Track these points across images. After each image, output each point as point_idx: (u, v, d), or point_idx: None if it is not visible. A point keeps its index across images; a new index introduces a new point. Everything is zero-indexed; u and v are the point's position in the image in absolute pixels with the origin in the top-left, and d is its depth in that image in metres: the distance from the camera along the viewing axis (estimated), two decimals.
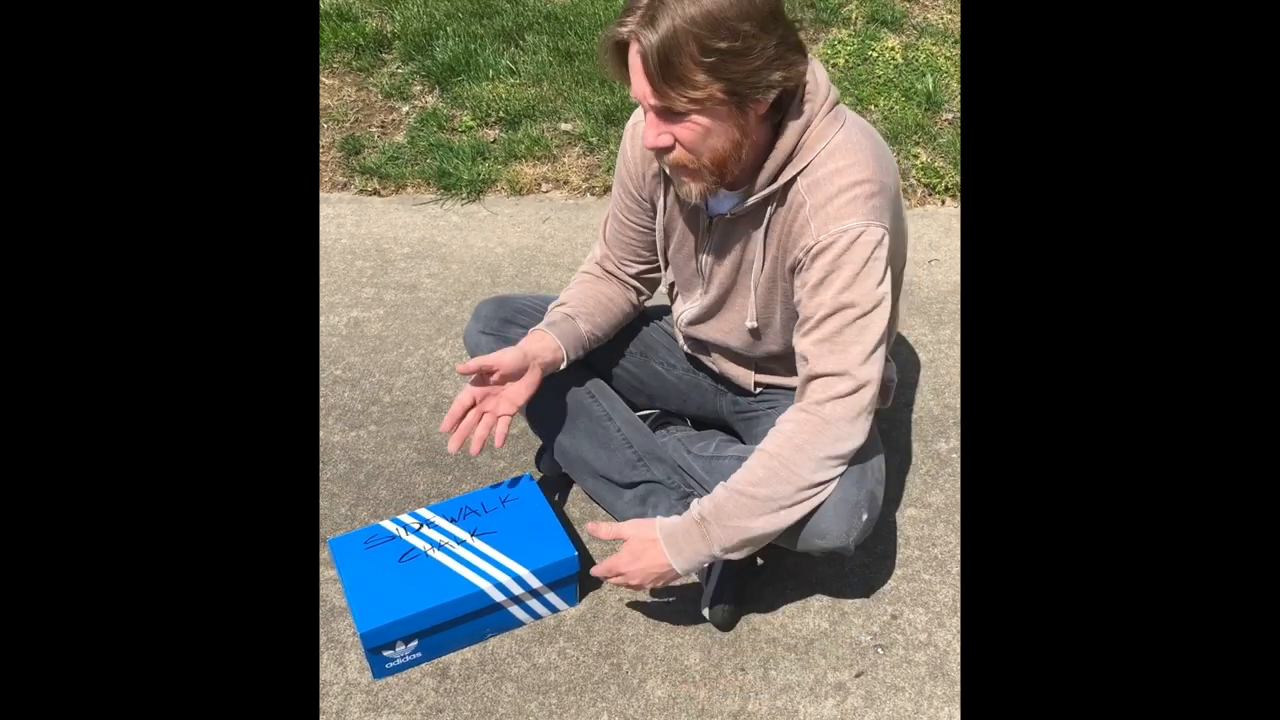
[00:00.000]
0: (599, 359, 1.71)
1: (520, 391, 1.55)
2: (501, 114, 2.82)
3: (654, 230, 1.60)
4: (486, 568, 1.52)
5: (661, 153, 1.33)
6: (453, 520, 1.60)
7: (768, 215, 1.41)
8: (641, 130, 1.48)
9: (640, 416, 1.74)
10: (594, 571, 1.46)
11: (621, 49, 1.28)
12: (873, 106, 2.78)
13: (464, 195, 2.61)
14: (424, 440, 1.93)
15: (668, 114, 1.28)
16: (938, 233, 2.42)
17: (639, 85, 1.27)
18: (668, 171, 1.41)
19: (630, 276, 1.66)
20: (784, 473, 1.37)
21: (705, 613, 1.57)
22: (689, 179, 1.36)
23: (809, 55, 1.35)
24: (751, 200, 1.39)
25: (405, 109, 2.93)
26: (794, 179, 1.37)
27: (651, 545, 1.41)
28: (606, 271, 1.66)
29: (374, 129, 2.87)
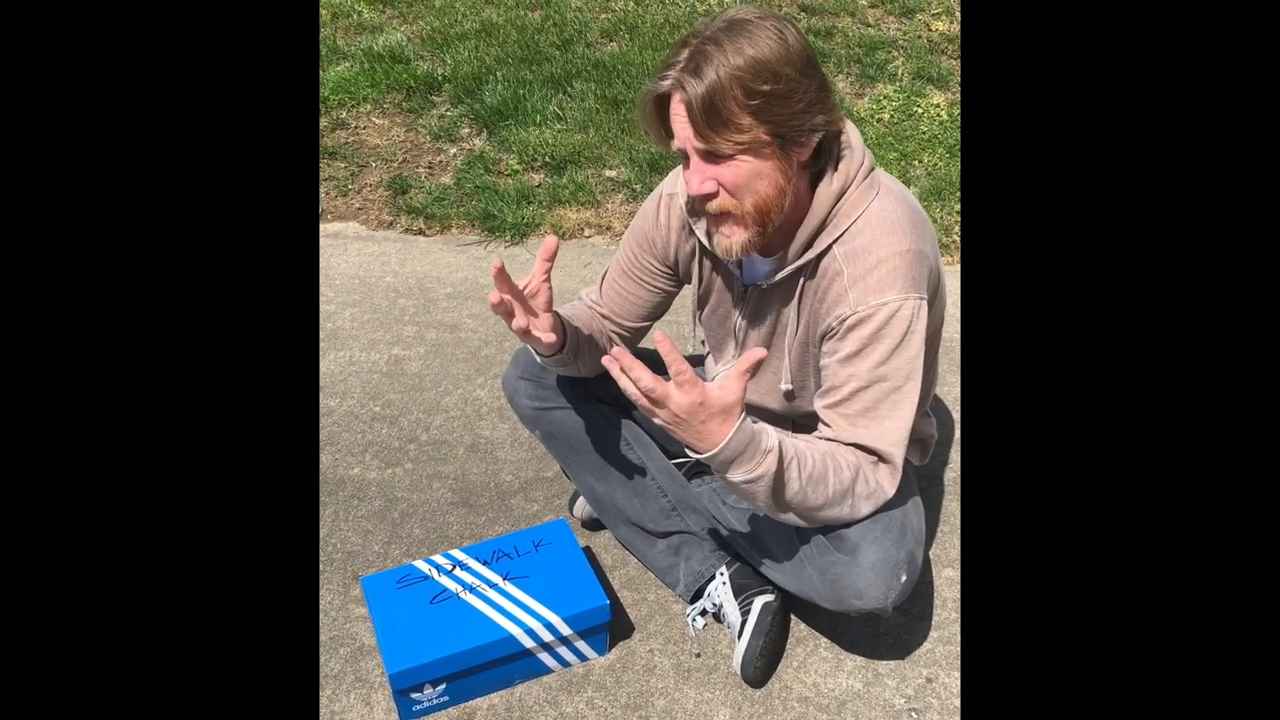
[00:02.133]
0: (633, 404, 1.71)
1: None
2: (547, 159, 2.86)
3: (667, 294, 1.61)
4: (517, 612, 1.52)
5: (705, 200, 1.32)
6: (485, 563, 1.60)
7: (802, 281, 1.41)
8: (677, 203, 1.50)
9: (675, 465, 1.73)
10: (642, 385, 1.25)
11: (663, 102, 1.29)
12: (917, 162, 2.79)
13: (508, 238, 2.64)
14: (459, 480, 1.93)
15: (712, 157, 1.28)
16: None
17: (683, 131, 1.28)
18: (706, 229, 1.39)
19: (612, 330, 1.64)
20: (840, 480, 1.35)
21: (736, 668, 1.54)
22: (732, 228, 1.33)
23: (845, 121, 1.37)
24: (788, 269, 1.40)
25: (453, 151, 2.98)
26: (830, 247, 1.37)
27: (723, 423, 1.26)
28: (601, 315, 1.64)
29: (421, 169, 2.92)
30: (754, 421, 1.31)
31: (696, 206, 1.37)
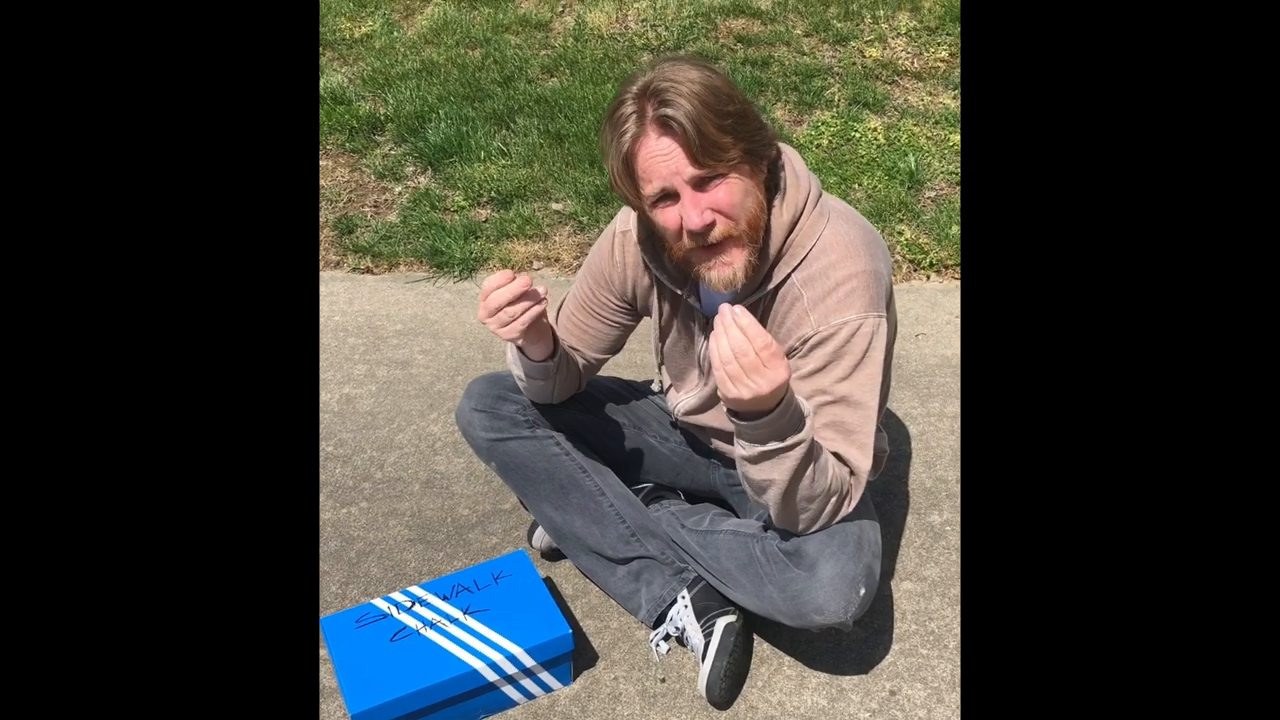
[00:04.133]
0: (589, 432, 1.71)
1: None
2: (493, 194, 2.87)
3: (625, 328, 1.62)
4: (479, 646, 1.50)
5: (705, 231, 1.31)
6: (445, 598, 1.58)
7: (761, 309, 1.43)
8: (631, 240, 1.51)
9: (633, 490, 1.74)
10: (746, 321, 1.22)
11: (630, 158, 1.30)
12: (857, 185, 2.85)
13: (456, 273, 2.64)
14: (415, 517, 1.92)
15: (703, 183, 1.29)
16: (924, 307, 2.45)
17: (671, 164, 1.28)
18: (696, 263, 1.37)
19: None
20: (835, 475, 1.37)
21: (702, 690, 1.54)
22: (732, 251, 1.33)
23: (786, 147, 1.42)
24: (749, 300, 1.42)
25: (398, 189, 2.98)
26: (788, 276, 1.39)
27: (782, 371, 1.23)
28: None
29: (367, 209, 2.91)
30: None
31: (693, 243, 1.33)
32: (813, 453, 1.33)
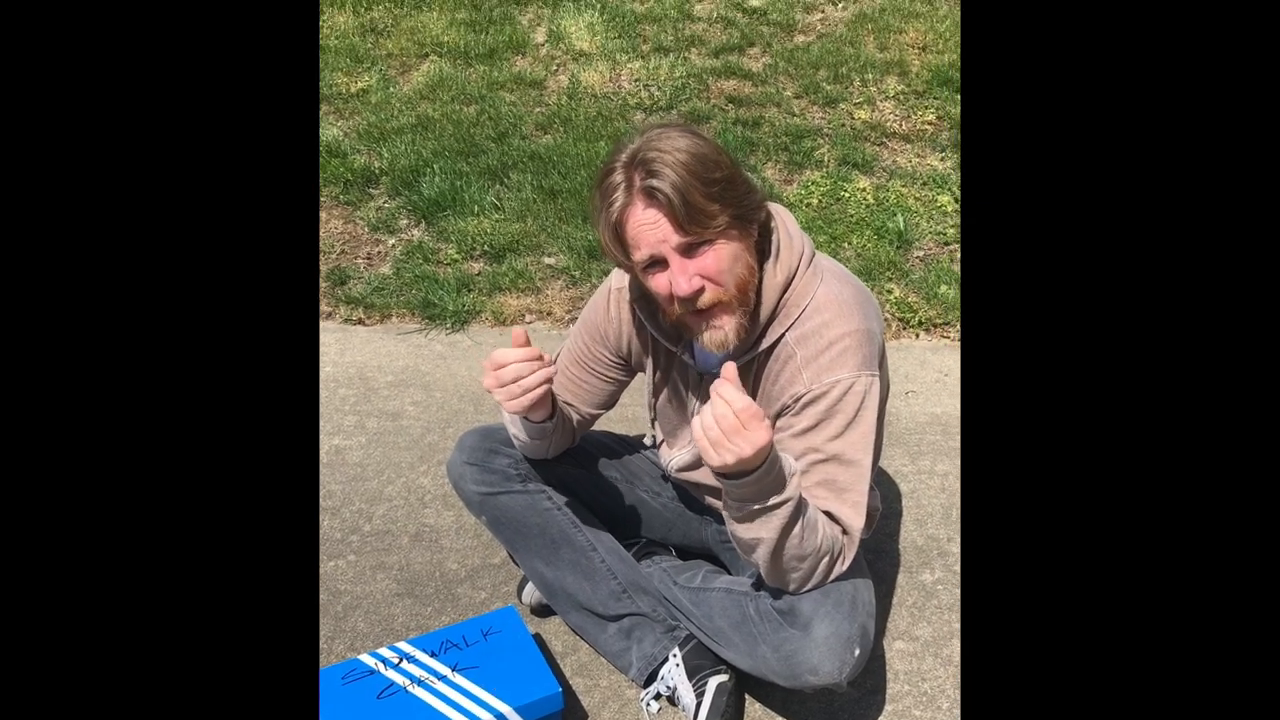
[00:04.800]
0: (582, 487, 1.71)
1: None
2: (486, 247, 2.89)
3: (620, 384, 1.63)
4: (467, 704, 1.48)
5: (694, 297, 1.32)
6: (433, 654, 1.56)
7: (755, 367, 1.44)
8: (626, 296, 1.53)
9: (624, 545, 1.73)
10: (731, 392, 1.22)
11: (620, 226, 1.32)
12: (846, 244, 2.88)
13: (448, 325, 2.65)
14: (404, 570, 1.89)
15: (690, 250, 1.30)
16: (913, 365, 2.47)
17: (658, 233, 1.29)
18: (689, 325, 1.38)
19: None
20: (825, 534, 1.36)
21: None
22: (722, 316, 1.34)
23: (779, 207, 1.44)
24: (743, 359, 1.43)
25: (391, 241, 3.00)
26: (782, 335, 1.41)
27: (764, 432, 1.23)
28: None
29: (360, 260, 2.93)
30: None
31: (683, 309, 1.35)
32: (800, 511, 1.33)
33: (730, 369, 1.25)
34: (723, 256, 1.31)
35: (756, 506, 1.30)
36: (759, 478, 1.27)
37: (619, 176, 1.31)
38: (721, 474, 1.29)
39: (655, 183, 1.27)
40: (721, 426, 1.22)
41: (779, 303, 1.40)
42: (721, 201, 1.29)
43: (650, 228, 1.30)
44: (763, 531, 1.32)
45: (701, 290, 1.32)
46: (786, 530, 1.32)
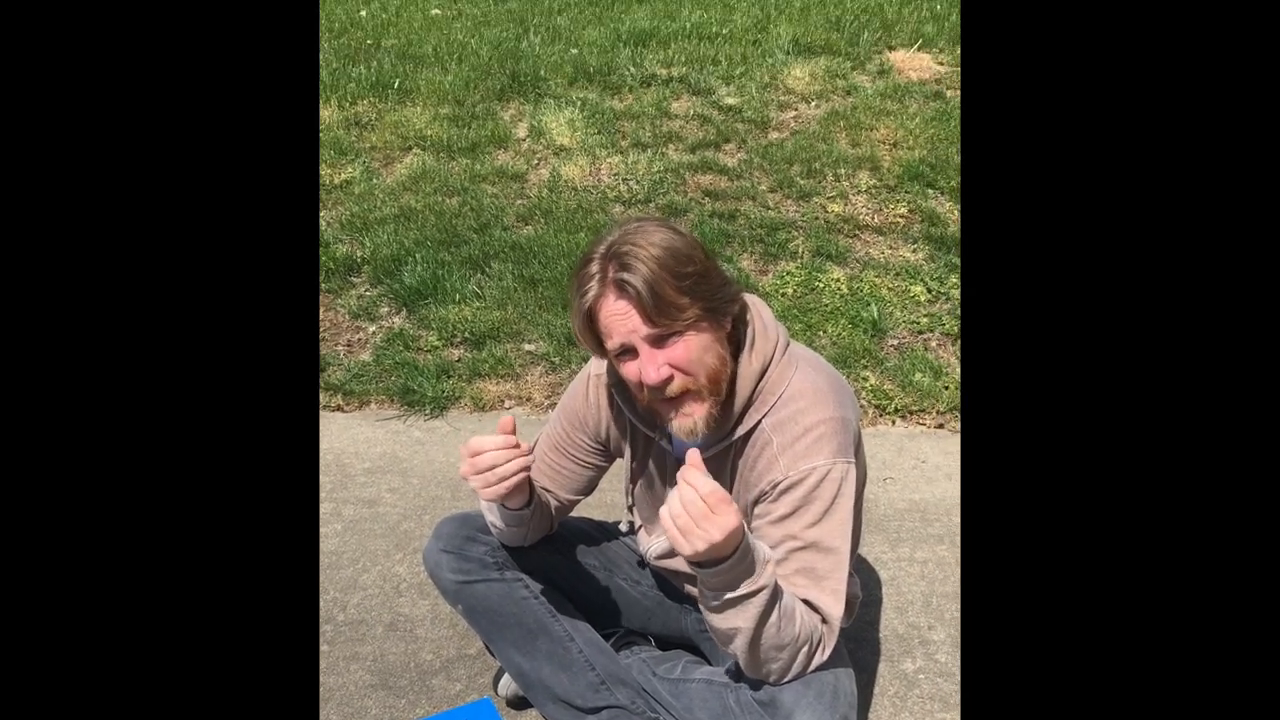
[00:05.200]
0: (560, 575, 1.69)
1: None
2: (467, 335, 2.91)
3: (599, 470, 1.63)
4: None
5: (663, 386, 1.34)
6: None
7: (732, 455, 1.46)
8: (605, 383, 1.55)
9: (603, 635, 1.70)
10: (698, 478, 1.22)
11: (592, 314, 1.35)
12: (822, 333, 2.93)
13: (427, 411, 2.65)
14: (378, 661, 1.86)
15: (660, 341, 1.33)
16: (890, 452, 2.49)
17: (628, 324, 1.32)
18: (660, 413, 1.40)
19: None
20: (804, 623, 1.34)
21: None
22: (691, 404, 1.36)
23: (754, 297, 1.47)
24: (719, 446, 1.44)
25: (372, 329, 3.01)
26: (759, 422, 1.42)
27: (735, 515, 1.22)
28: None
29: (340, 347, 2.94)
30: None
31: (651, 396, 1.37)
32: (776, 599, 1.32)
33: (695, 455, 1.25)
34: (692, 347, 1.34)
35: (731, 595, 1.29)
36: (732, 565, 1.26)
37: (595, 267, 1.34)
38: (694, 563, 1.29)
39: (626, 275, 1.30)
40: (690, 512, 1.21)
41: (754, 390, 1.42)
42: (692, 295, 1.32)
43: (620, 318, 1.32)
44: (739, 621, 1.31)
45: (670, 379, 1.34)
46: (763, 619, 1.31)
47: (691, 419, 1.37)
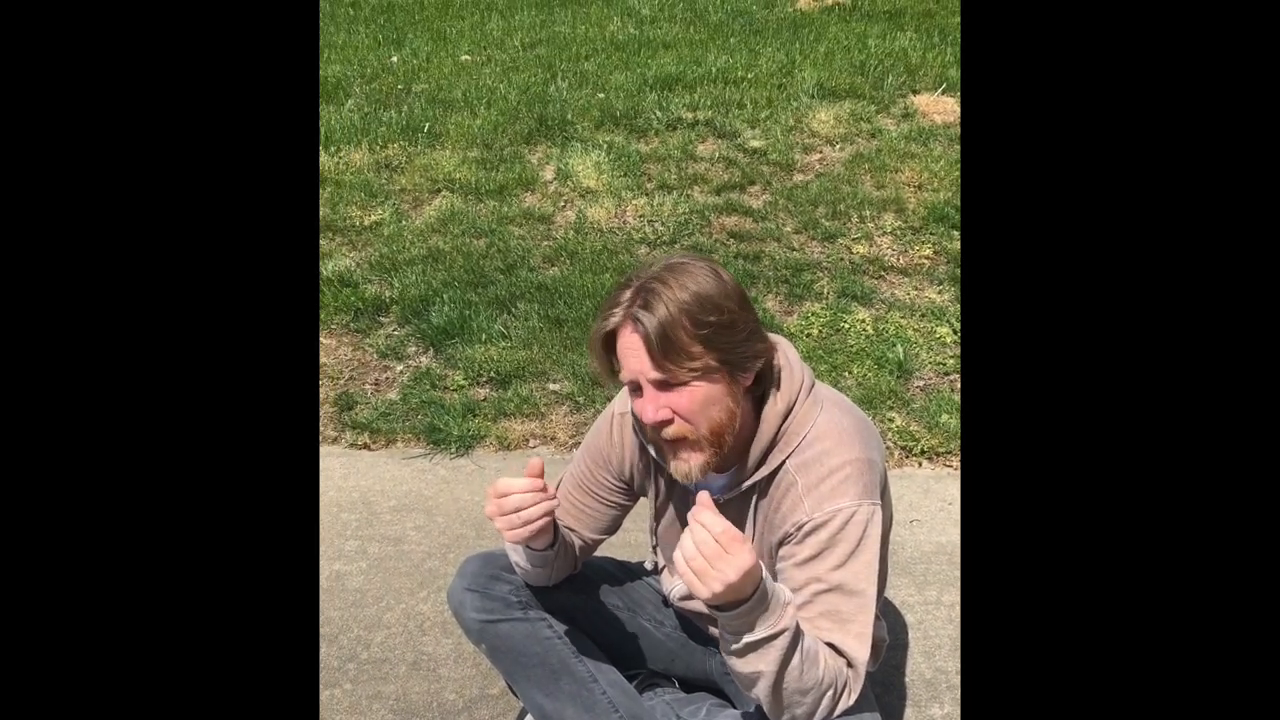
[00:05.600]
0: (583, 615, 1.68)
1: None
2: (492, 374, 2.93)
3: (623, 508, 1.63)
4: None
5: (660, 427, 1.35)
6: None
7: (755, 495, 1.45)
8: (629, 421, 1.56)
9: (627, 676, 1.69)
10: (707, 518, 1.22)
11: (611, 339, 1.35)
12: (847, 374, 2.92)
13: (453, 450, 2.66)
14: (400, 700, 1.85)
15: (666, 386, 1.33)
16: (917, 494, 2.47)
17: (637, 363, 1.32)
18: (663, 451, 1.42)
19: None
20: (828, 666, 1.32)
21: None
22: (688, 453, 1.37)
23: (780, 339, 1.47)
24: (743, 486, 1.44)
25: (399, 368, 3.04)
26: (783, 462, 1.42)
27: (750, 555, 1.21)
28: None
29: (368, 386, 2.96)
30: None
31: (650, 434, 1.39)
32: (799, 641, 1.30)
33: (705, 496, 1.25)
34: (696, 398, 1.34)
35: (751, 639, 1.28)
36: (751, 608, 1.25)
37: (626, 296, 1.35)
38: (713, 606, 1.27)
39: (643, 314, 1.31)
40: (704, 553, 1.20)
41: (779, 431, 1.42)
42: (708, 344, 1.32)
43: (632, 353, 1.33)
44: (761, 665, 1.30)
45: (670, 422, 1.34)
46: (785, 662, 1.30)
47: (687, 465, 1.38)
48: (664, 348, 1.30)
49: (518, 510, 1.36)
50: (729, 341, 1.34)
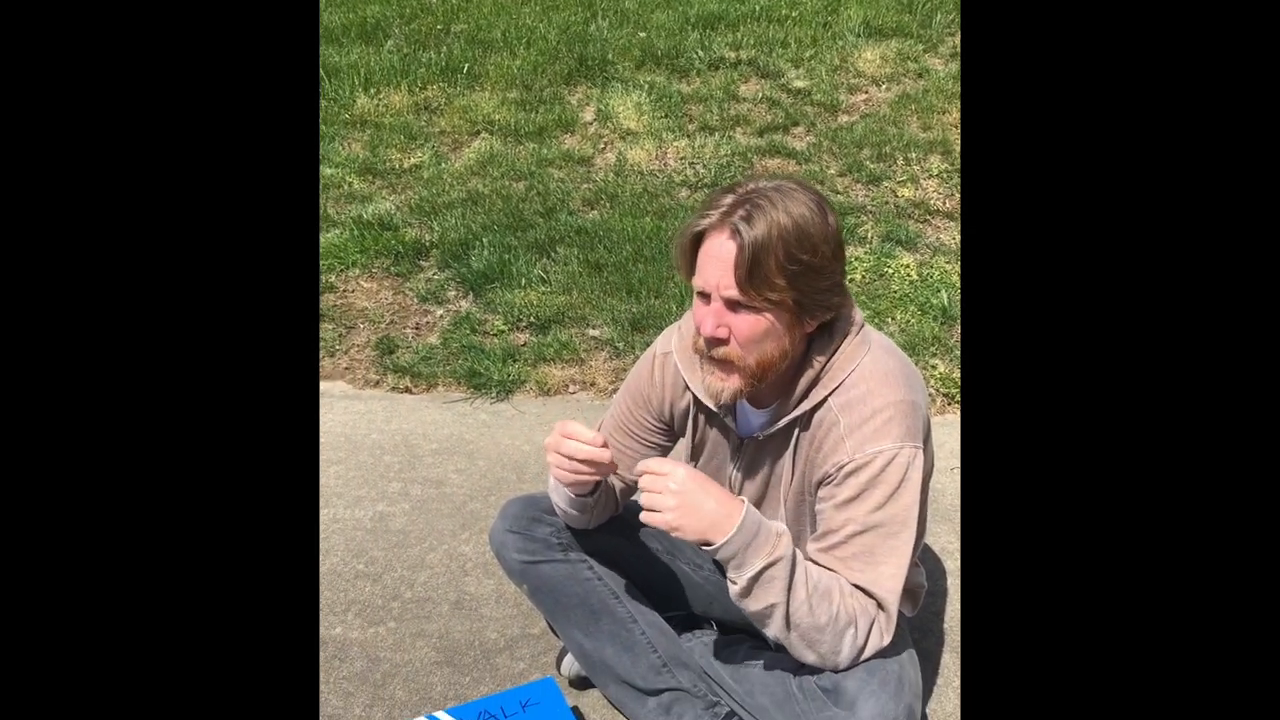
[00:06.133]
0: (623, 557, 1.70)
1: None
2: (532, 319, 2.93)
3: (663, 449, 1.64)
4: None
5: (715, 344, 1.35)
6: None
7: (797, 432, 1.44)
8: (670, 362, 1.55)
9: (665, 618, 1.71)
10: (641, 465, 1.36)
11: (699, 239, 1.34)
12: (890, 319, 2.88)
13: (493, 395, 2.68)
14: (443, 639, 1.89)
15: (734, 306, 1.32)
16: (958, 441, 2.44)
17: (718, 273, 1.31)
18: (703, 363, 1.41)
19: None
20: (843, 604, 1.34)
21: None
22: (726, 375, 1.37)
23: None
24: (783, 422, 1.43)
25: (440, 312, 3.05)
26: (825, 399, 1.41)
27: (729, 499, 1.33)
28: None
29: (409, 330, 2.98)
30: None
31: (698, 342, 1.39)
32: (801, 572, 1.33)
33: (648, 463, 1.35)
34: (758, 328, 1.33)
35: (751, 573, 1.31)
36: (741, 538, 1.30)
37: (728, 200, 1.32)
38: (703, 543, 1.32)
39: (742, 226, 1.28)
40: (661, 505, 1.31)
41: (826, 365, 1.40)
42: (791, 281, 1.30)
43: (717, 264, 1.31)
44: (769, 597, 1.32)
45: (724, 342, 1.34)
46: (789, 591, 1.32)
47: (721, 385, 1.38)
48: (751, 271, 1.28)
49: (573, 458, 1.38)
50: (812, 286, 1.32)
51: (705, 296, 1.35)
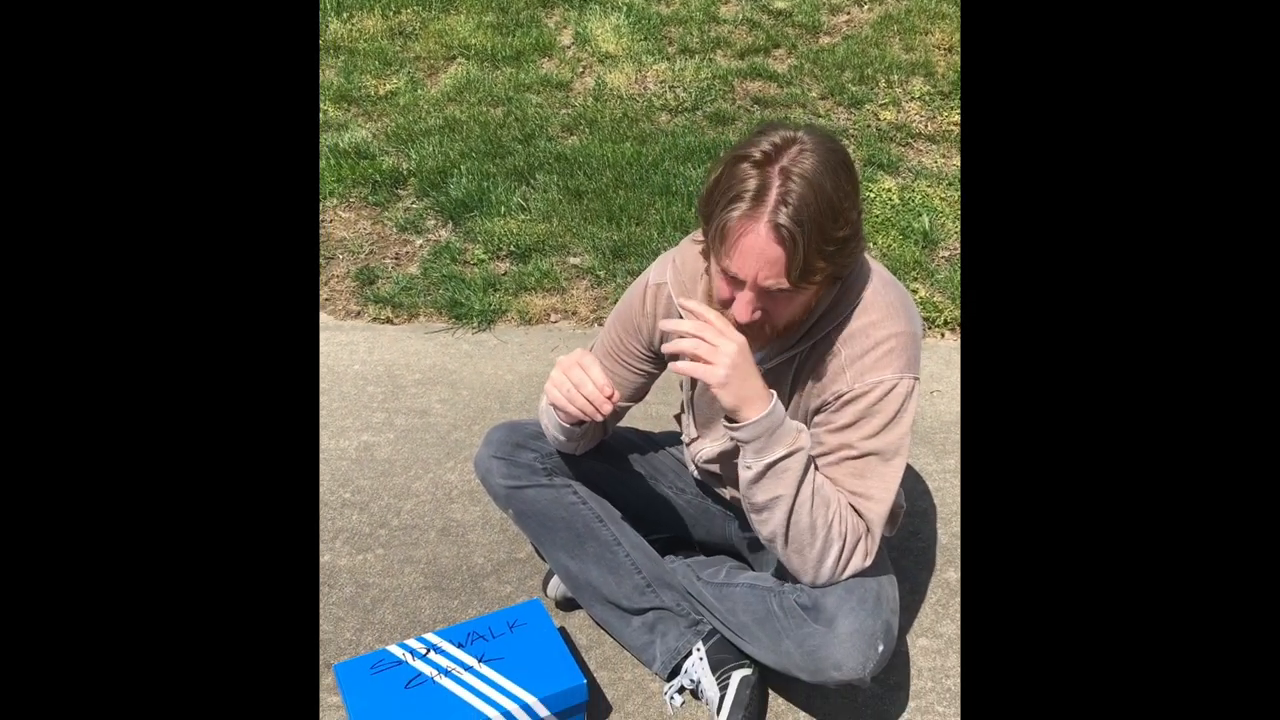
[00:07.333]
0: (607, 482, 1.72)
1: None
2: (512, 248, 2.91)
3: (651, 376, 1.63)
4: (493, 695, 1.50)
5: (744, 326, 1.33)
6: (460, 645, 1.58)
7: (797, 362, 1.45)
8: (664, 293, 1.53)
9: (649, 540, 1.74)
10: (693, 305, 1.34)
11: (732, 230, 1.25)
12: (872, 244, 2.88)
13: (475, 324, 2.67)
14: (431, 564, 1.92)
15: (775, 294, 1.29)
16: (939, 365, 2.47)
17: (763, 270, 1.25)
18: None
19: None
20: (839, 512, 1.38)
21: None
22: (751, 340, 1.34)
23: None
24: (785, 354, 1.44)
25: (419, 242, 3.03)
26: (828, 332, 1.41)
27: (767, 393, 1.34)
28: None
29: (388, 260, 2.96)
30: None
31: (721, 308, 1.35)
32: (811, 466, 1.36)
33: (689, 304, 1.35)
34: (794, 305, 1.33)
35: (771, 458, 1.33)
36: (770, 420, 1.33)
37: (754, 181, 1.24)
38: (730, 418, 1.35)
39: (788, 225, 1.22)
40: (703, 335, 1.30)
41: (831, 303, 1.40)
42: (830, 260, 1.27)
43: (762, 259, 1.25)
44: (779, 488, 1.34)
45: (756, 324, 1.33)
46: (799, 484, 1.34)
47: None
48: (803, 270, 1.25)
49: (579, 389, 1.38)
50: (846, 256, 1.30)
51: (737, 283, 1.30)
